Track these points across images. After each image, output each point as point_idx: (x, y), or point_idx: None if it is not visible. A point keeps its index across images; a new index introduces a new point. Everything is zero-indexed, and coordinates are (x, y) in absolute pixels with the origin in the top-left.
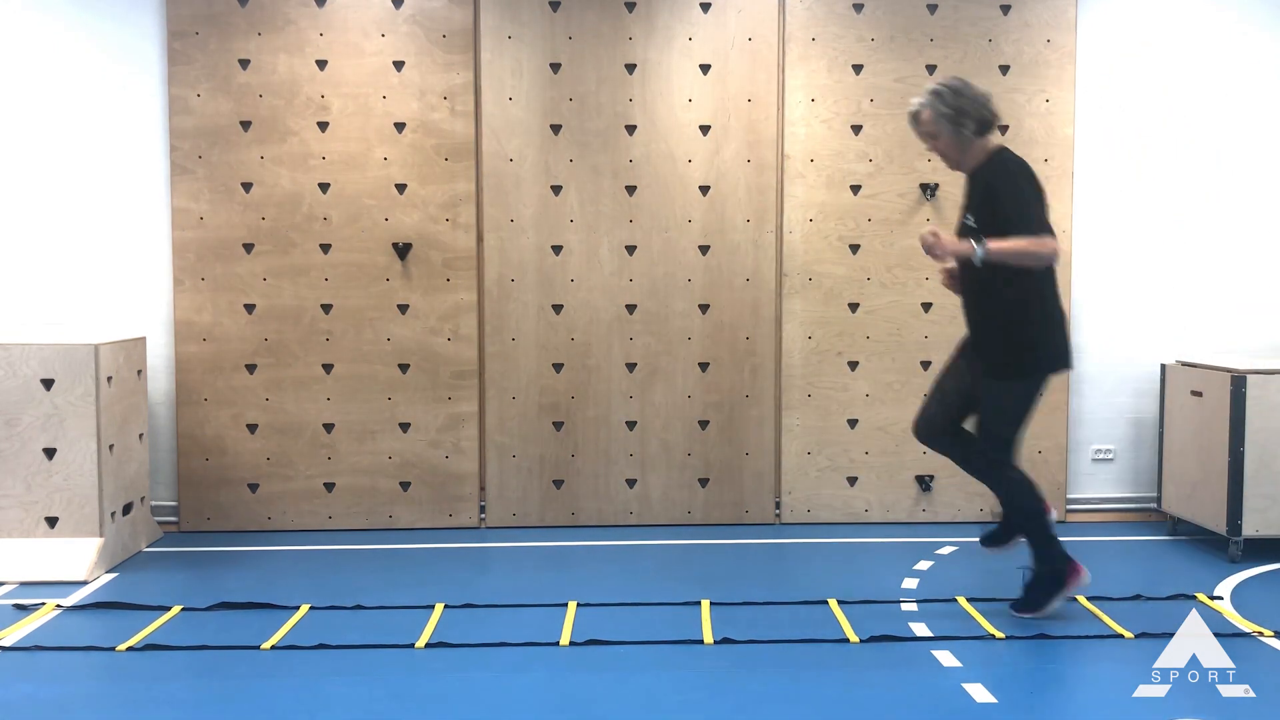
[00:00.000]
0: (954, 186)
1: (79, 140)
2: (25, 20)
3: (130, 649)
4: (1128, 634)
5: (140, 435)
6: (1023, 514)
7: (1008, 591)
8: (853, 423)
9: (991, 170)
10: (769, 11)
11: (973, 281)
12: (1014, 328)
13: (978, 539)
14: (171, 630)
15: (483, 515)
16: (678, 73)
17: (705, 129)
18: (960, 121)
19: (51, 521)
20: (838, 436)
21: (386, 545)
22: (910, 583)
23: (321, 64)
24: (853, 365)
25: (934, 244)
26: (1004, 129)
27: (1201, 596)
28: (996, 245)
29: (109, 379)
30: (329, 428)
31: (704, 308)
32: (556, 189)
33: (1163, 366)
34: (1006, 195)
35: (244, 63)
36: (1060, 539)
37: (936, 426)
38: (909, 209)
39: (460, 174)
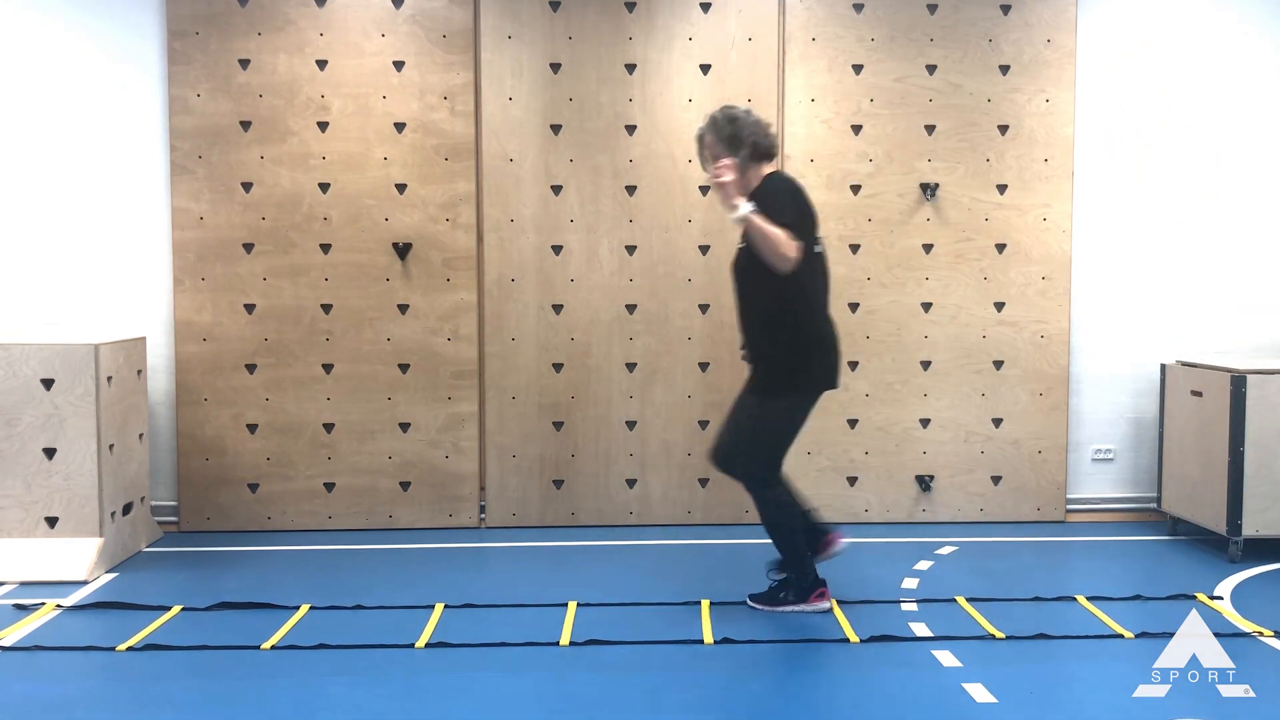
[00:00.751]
0: (955, 186)
1: (79, 140)
2: (25, 20)
3: (130, 649)
4: (1128, 634)
5: (140, 435)
6: (779, 533)
7: (1008, 591)
8: (853, 423)
9: (761, 191)
10: (769, 11)
11: (746, 297)
12: (784, 347)
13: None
14: (171, 630)
15: (483, 515)
16: (678, 73)
17: None
18: (736, 147)
19: (51, 521)
20: (838, 436)
21: (386, 545)
22: (910, 583)
23: (321, 64)
24: (853, 365)
25: (722, 179)
26: (1004, 129)
27: (1201, 596)
28: (758, 217)
29: (109, 379)
30: (329, 428)
31: (704, 308)
32: (556, 189)
33: (1163, 366)
34: (768, 203)
35: (244, 63)
36: (811, 560)
37: (722, 452)
38: (909, 209)
39: (460, 174)
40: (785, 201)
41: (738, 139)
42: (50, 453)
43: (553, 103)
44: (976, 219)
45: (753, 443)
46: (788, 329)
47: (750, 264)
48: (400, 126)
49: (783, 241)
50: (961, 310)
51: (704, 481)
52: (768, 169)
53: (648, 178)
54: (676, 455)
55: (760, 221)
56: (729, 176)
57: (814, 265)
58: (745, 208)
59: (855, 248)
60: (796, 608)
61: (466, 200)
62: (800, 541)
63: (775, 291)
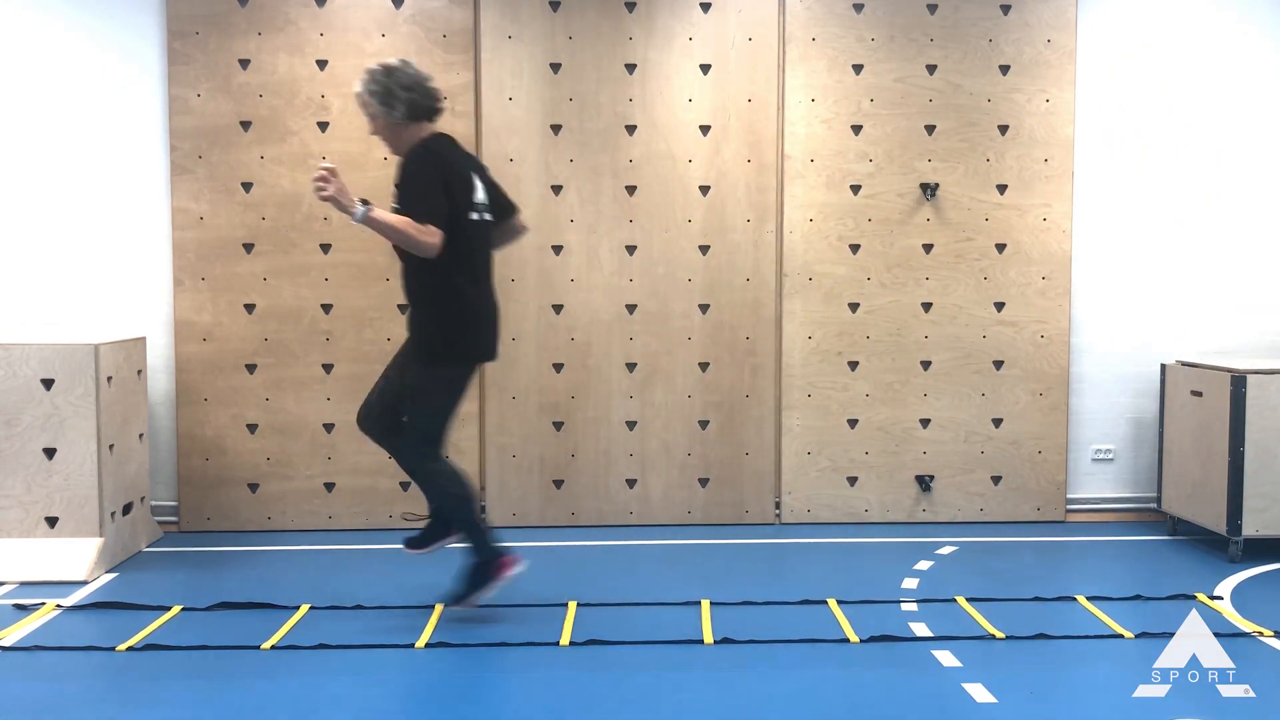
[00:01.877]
0: (955, 186)
1: (79, 140)
2: (25, 20)
3: (130, 649)
4: (1128, 634)
5: (140, 435)
6: (451, 505)
7: (1008, 591)
8: (853, 423)
9: (408, 155)
10: (769, 11)
11: (403, 265)
12: (434, 314)
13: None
14: (171, 630)
15: (482, 515)
16: (678, 73)
17: (705, 129)
18: (390, 103)
19: (51, 521)
20: (838, 436)
21: (386, 545)
22: (910, 583)
23: (321, 64)
24: (853, 365)
25: (324, 182)
26: (1004, 129)
27: (1201, 596)
28: (378, 214)
29: (109, 379)
30: (329, 428)
31: (704, 308)
32: (556, 189)
33: (1163, 366)
34: (405, 177)
35: (244, 63)
36: (490, 530)
37: (373, 414)
38: (909, 209)
39: None
40: (412, 181)
41: (393, 96)
42: (50, 453)
43: (553, 103)
44: (976, 219)
45: (413, 414)
46: (441, 298)
47: None
48: None
49: (410, 231)
50: (961, 310)
51: (704, 481)
52: (430, 129)
53: (648, 178)
54: (676, 455)
55: (381, 219)
56: (328, 190)
57: (468, 235)
58: (360, 211)
59: (855, 248)
60: (491, 588)
61: None
62: (477, 513)
63: (426, 260)
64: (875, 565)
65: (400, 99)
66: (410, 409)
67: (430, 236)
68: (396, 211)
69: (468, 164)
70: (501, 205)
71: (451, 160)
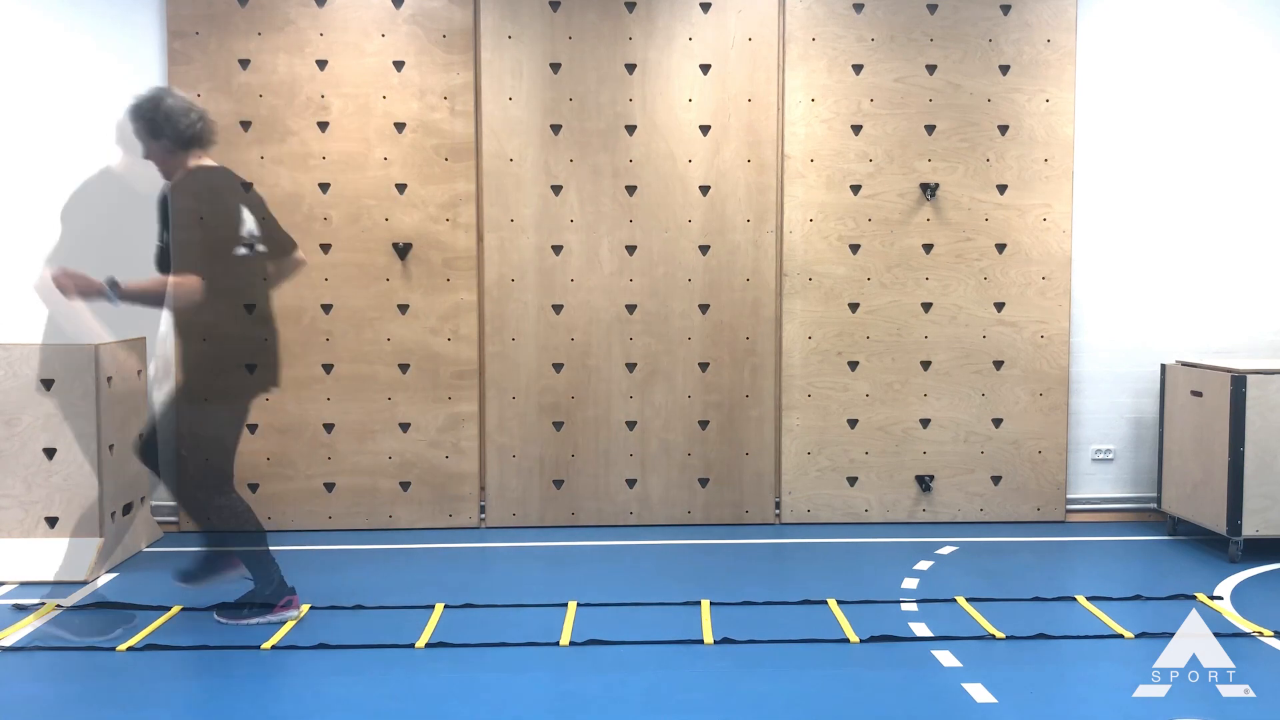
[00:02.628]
0: (955, 186)
1: (79, 140)
2: (25, 20)
3: (130, 649)
4: (1128, 634)
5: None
6: (242, 541)
7: (1008, 591)
8: (853, 423)
9: (173, 189)
10: (769, 11)
11: None
12: (201, 350)
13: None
14: (171, 630)
15: (483, 515)
16: (678, 73)
17: (705, 129)
18: (155, 134)
19: (51, 521)
20: (838, 436)
21: (386, 545)
22: (910, 583)
23: (321, 64)
24: (853, 365)
25: (62, 283)
26: (1004, 129)
27: (1201, 596)
28: (132, 287)
29: (109, 379)
30: (329, 428)
31: (704, 308)
32: (556, 189)
33: (1163, 366)
34: (172, 223)
35: (244, 63)
36: (278, 567)
37: (148, 443)
38: (909, 209)
39: (460, 174)
40: (172, 222)
41: (156, 127)
42: (50, 453)
43: (553, 103)
44: (976, 219)
45: (199, 450)
46: (207, 335)
47: (167, 263)
48: (400, 126)
49: (173, 290)
50: (961, 310)
51: (704, 481)
52: (200, 158)
53: (648, 178)
54: (676, 455)
55: (136, 290)
56: (71, 293)
57: (234, 270)
58: (114, 295)
59: (855, 248)
60: (267, 620)
61: (466, 200)
62: (267, 550)
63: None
64: (875, 565)
65: (165, 131)
66: (191, 446)
67: (188, 286)
68: (162, 250)
69: (237, 196)
70: (278, 241)
71: (216, 193)
